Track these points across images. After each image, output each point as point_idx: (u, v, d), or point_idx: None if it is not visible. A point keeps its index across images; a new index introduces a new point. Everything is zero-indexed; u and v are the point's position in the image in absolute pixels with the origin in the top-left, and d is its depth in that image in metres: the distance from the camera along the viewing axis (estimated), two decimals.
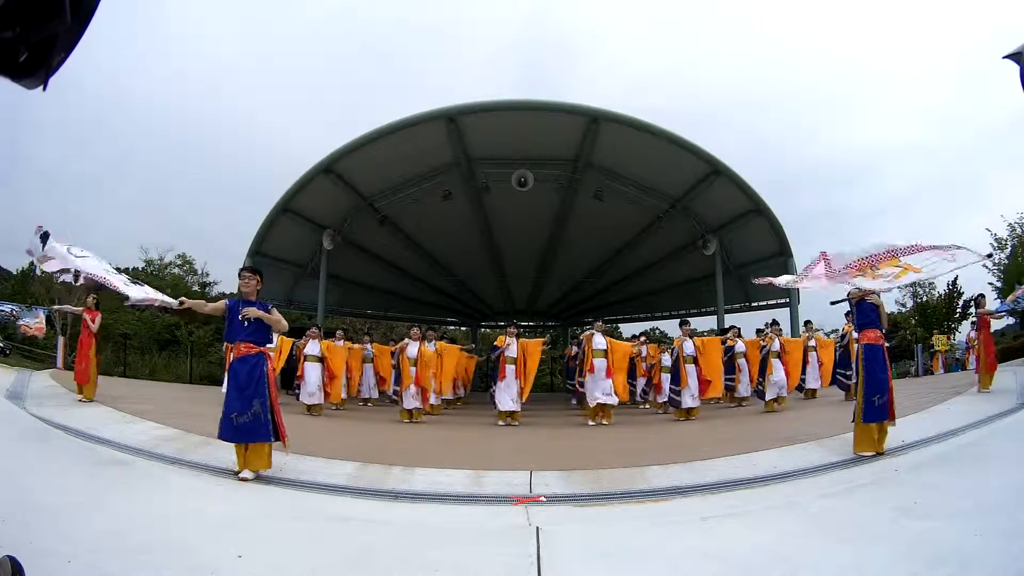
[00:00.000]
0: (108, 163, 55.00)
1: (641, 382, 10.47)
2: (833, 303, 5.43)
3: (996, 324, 8.81)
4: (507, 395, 8.11)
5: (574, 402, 11.32)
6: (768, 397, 8.59)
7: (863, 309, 4.84)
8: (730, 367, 10.15)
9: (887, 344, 5.00)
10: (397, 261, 17.29)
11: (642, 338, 10.41)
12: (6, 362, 13.96)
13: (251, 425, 4.04)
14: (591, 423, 7.88)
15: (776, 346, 8.99)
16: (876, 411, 4.54)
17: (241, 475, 4.01)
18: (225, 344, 4.39)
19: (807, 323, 10.57)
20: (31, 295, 20.91)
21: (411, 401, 8.21)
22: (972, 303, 9.00)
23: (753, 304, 16.45)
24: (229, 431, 4.07)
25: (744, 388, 9.87)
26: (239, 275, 4.50)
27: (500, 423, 7.98)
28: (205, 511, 3.11)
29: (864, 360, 4.72)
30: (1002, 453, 4.26)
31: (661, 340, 14.19)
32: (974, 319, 8.98)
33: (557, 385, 21.69)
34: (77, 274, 5.38)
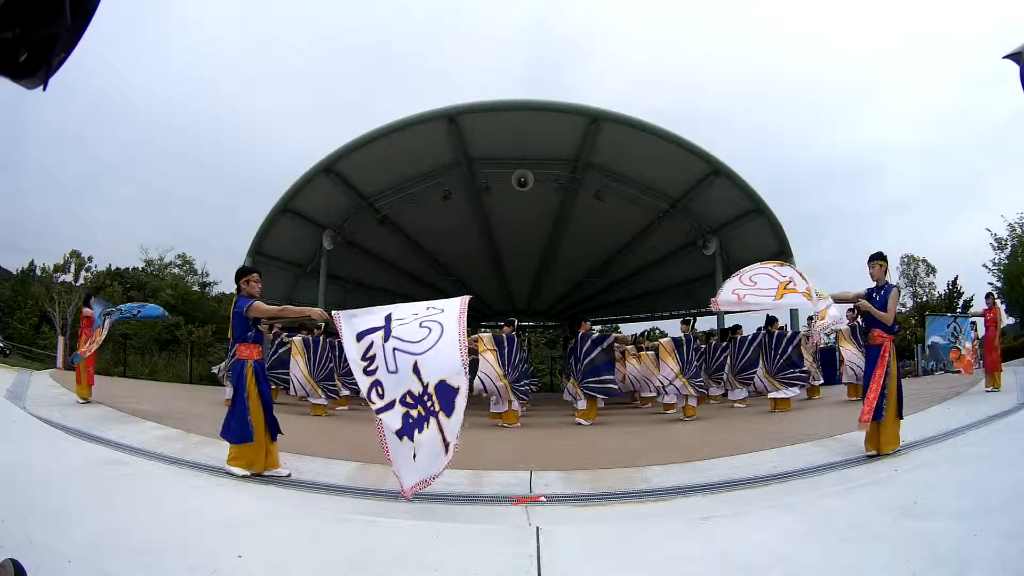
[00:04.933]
0: (108, 163, 55.13)
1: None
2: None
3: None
4: (491, 397, 8.07)
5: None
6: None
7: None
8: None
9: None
10: (397, 261, 17.28)
11: (631, 348, 10.50)
12: (6, 362, 13.96)
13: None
14: (585, 423, 7.90)
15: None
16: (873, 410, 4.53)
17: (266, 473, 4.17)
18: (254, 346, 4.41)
19: (809, 319, 10.60)
20: (31, 296, 20.93)
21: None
22: (985, 299, 8.96)
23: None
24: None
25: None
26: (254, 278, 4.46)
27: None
28: (205, 511, 3.11)
29: (866, 359, 4.74)
30: (1002, 453, 4.26)
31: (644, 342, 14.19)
32: (973, 320, 8.99)
33: (557, 385, 21.66)
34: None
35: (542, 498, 3.74)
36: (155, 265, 27.19)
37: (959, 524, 2.57)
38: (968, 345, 7.69)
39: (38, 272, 22.72)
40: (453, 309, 3.69)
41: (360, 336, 3.71)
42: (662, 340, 9.07)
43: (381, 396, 3.53)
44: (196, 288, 26.55)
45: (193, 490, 3.70)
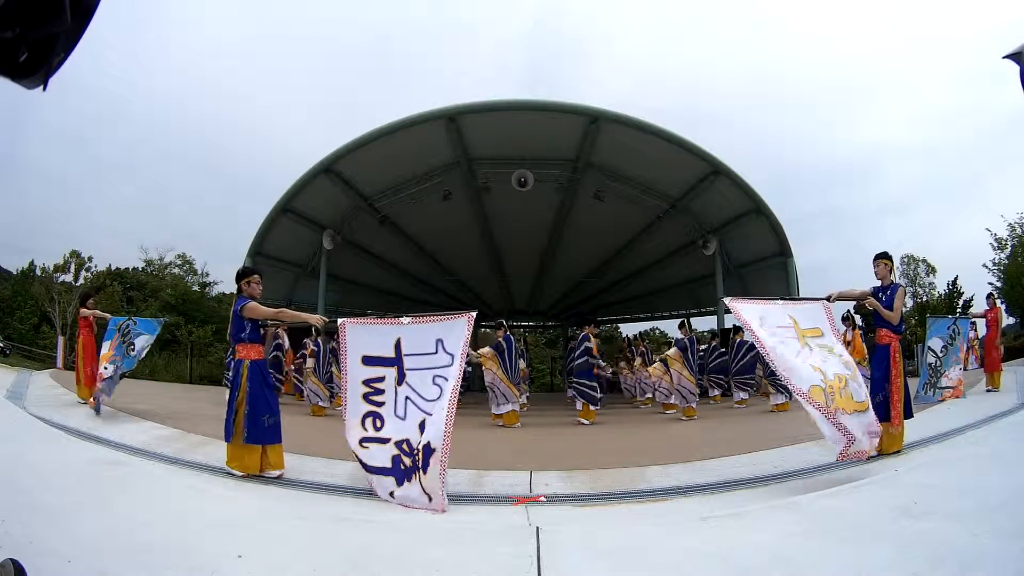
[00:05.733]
0: (108, 163, 55.11)
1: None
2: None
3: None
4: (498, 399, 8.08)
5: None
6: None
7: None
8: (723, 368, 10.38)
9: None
10: (397, 261, 17.29)
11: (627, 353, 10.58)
12: (6, 362, 13.96)
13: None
14: (586, 423, 7.90)
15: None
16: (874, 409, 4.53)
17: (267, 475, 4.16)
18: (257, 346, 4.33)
19: None
20: (31, 296, 20.93)
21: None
22: (986, 299, 8.94)
23: None
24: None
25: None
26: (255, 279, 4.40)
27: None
28: (205, 511, 3.11)
29: (873, 359, 4.76)
30: (1002, 453, 4.26)
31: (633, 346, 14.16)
32: (973, 320, 8.98)
33: (557, 385, 21.67)
34: None
35: (542, 498, 3.74)
36: (155, 265, 27.18)
37: (959, 524, 2.57)
38: (955, 374, 7.62)
39: (38, 272, 22.69)
40: (459, 351, 3.75)
41: (368, 361, 3.80)
42: (669, 352, 9.01)
43: (377, 429, 3.69)
44: (196, 288, 26.52)
45: (193, 490, 3.69)
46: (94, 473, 3.73)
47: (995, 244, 20.34)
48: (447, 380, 3.70)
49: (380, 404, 3.73)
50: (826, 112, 75.69)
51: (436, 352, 3.78)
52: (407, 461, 3.59)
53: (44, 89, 0.98)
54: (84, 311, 7.55)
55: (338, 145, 12.49)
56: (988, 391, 7.85)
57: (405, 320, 3.91)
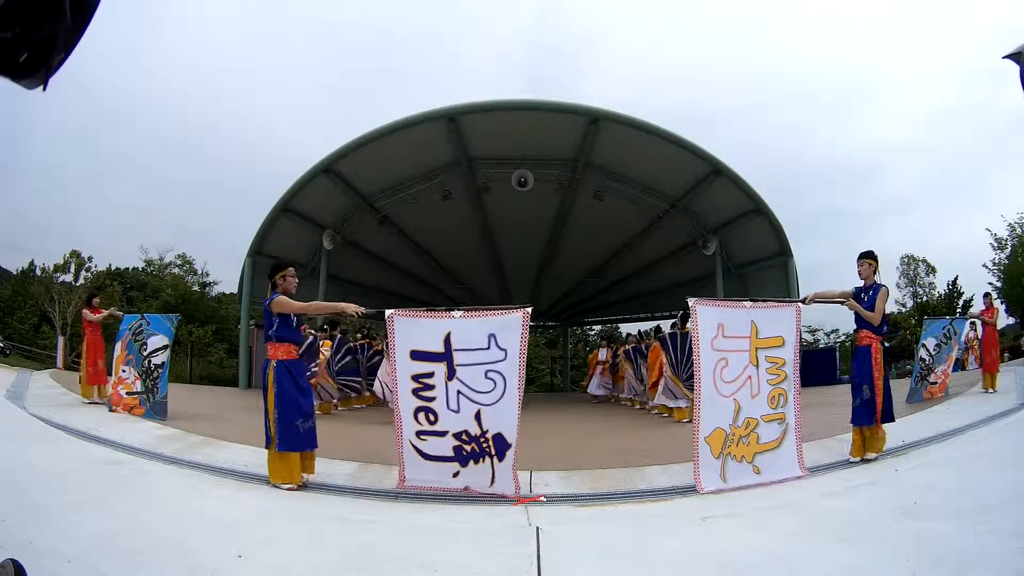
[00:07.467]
0: (108, 163, 55.09)
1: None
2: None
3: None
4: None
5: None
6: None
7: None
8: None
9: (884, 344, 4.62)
10: (397, 261, 17.28)
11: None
12: (6, 362, 13.95)
13: None
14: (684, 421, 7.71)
15: None
16: (855, 413, 4.43)
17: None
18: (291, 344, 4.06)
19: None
20: (31, 296, 20.93)
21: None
22: (983, 299, 8.96)
23: None
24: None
25: None
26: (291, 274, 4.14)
27: None
28: (205, 511, 3.11)
29: (854, 360, 4.63)
30: (1002, 453, 4.26)
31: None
32: (972, 320, 8.98)
33: (557, 385, 21.65)
34: None
35: (542, 498, 3.74)
36: (155, 265, 27.18)
37: (959, 524, 2.57)
38: (942, 369, 7.77)
39: (38, 272, 22.72)
40: (515, 347, 3.70)
41: (416, 356, 3.77)
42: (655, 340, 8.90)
43: (432, 423, 3.74)
44: (196, 288, 26.49)
45: (193, 490, 3.70)
46: (94, 473, 3.73)
47: (995, 244, 20.37)
48: (503, 376, 3.66)
49: (431, 399, 3.72)
50: (826, 112, 75.77)
51: (488, 347, 3.69)
52: (469, 448, 3.71)
53: (44, 89, 0.98)
54: (88, 313, 7.53)
55: (338, 145, 12.49)
56: (986, 392, 7.85)
57: (456, 313, 3.80)
